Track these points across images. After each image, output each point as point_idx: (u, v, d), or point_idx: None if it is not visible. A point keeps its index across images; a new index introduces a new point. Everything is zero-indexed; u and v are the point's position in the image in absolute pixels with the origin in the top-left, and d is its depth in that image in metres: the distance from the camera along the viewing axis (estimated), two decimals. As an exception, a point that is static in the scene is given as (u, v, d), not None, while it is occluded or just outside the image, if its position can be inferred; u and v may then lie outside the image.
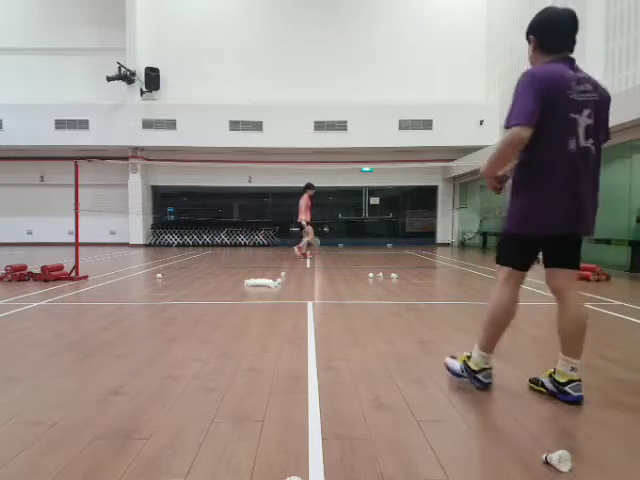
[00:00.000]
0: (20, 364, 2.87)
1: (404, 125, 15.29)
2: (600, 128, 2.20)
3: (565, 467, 1.62)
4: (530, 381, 2.49)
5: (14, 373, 2.69)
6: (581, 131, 2.15)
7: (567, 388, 2.27)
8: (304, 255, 11.17)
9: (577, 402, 2.25)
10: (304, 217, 10.98)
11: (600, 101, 2.18)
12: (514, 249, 2.35)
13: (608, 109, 2.24)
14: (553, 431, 1.96)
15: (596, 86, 2.20)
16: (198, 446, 1.81)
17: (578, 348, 2.29)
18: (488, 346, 2.41)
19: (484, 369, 2.43)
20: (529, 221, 2.23)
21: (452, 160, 14.99)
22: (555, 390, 2.33)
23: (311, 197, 11.11)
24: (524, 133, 2.11)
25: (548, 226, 2.20)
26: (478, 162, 12.91)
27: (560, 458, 1.63)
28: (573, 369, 2.28)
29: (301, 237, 11.37)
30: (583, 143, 2.16)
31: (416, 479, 1.59)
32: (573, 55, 2.26)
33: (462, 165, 14.26)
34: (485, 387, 2.43)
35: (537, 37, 2.29)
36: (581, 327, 2.26)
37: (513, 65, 13.26)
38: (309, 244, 11.42)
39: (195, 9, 16.00)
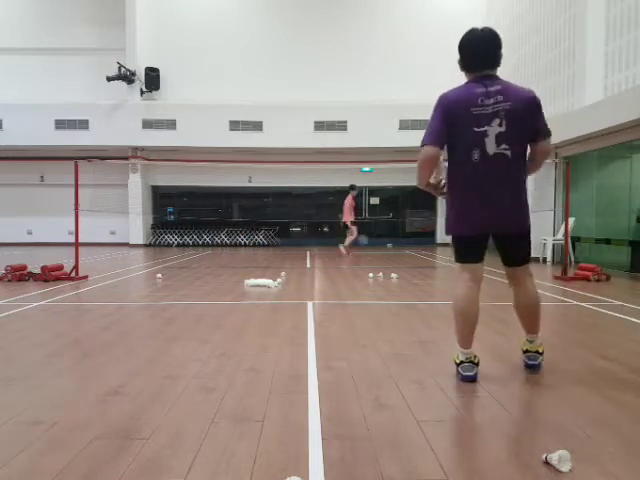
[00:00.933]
0: (20, 364, 2.87)
1: (404, 125, 15.28)
2: (516, 133, 2.42)
3: (565, 467, 1.62)
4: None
5: (14, 373, 2.69)
6: (490, 140, 2.41)
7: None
8: (347, 254, 11.54)
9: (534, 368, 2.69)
10: (348, 217, 11.46)
11: (513, 109, 2.39)
12: (457, 247, 2.65)
13: (530, 110, 2.44)
14: (553, 431, 1.96)
15: (509, 94, 2.41)
16: (198, 446, 1.81)
17: (531, 325, 2.69)
18: (462, 342, 2.58)
19: (462, 362, 2.57)
20: (454, 224, 2.59)
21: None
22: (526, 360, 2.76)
23: (354, 197, 11.69)
24: (431, 151, 2.46)
25: (465, 228, 2.54)
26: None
27: (560, 458, 1.63)
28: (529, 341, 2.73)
29: (345, 237, 11.81)
30: (492, 151, 2.42)
31: (416, 479, 1.59)
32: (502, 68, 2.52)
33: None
34: (465, 379, 2.54)
35: (459, 60, 2.58)
36: (534, 309, 2.64)
37: (513, 65, 13.26)
38: (354, 244, 11.94)
39: (195, 9, 15.99)
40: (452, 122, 2.45)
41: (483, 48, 2.49)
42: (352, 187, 11.69)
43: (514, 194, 2.48)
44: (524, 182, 2.54)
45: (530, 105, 2.44)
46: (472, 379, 2.53)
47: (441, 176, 2.68)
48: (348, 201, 11.53)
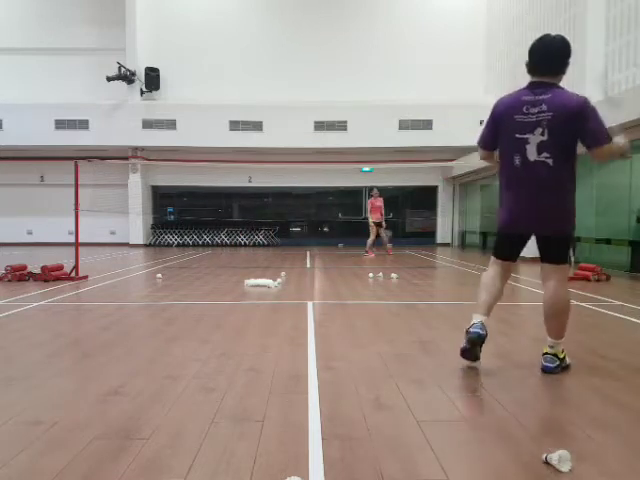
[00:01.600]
0: (20, 364, 2.87)
1: (404, 125, 15.28)
2: (558, 143, 2.49)
3: (565, 467, 1.62)
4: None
5: (14, 373, 2.69)
6: (531, 148, 2.53)
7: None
8: (370, 253, 11.87)
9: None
10: (378, 217, 12.06)
11: (555, 119, 2.47)
12: (496, 241, 2.90)
13: (573, 120, 2.45)
14: (553, 431, 1.96)
15: (554, 104, 2.47)
16: (198, 446, 1.81)
17: (550, 328, 2.68)
18: (478, 307, 2.77)
19: (474, 323, 2.68)
20: (498, 219, 2.81)
21: (452, 160, 14.98)
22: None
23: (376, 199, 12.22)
24: (481, 152, 2.89)
25: (504, 224, 2.76)
26: (478, 162, 12.91)
27: (560, 458, 1.63)
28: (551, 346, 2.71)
29: (378, 236, 12.18)
30: (533, 158, 2.54)
31: (416, 479, 1.59)
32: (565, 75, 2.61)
33: (462, 165, 14.26)
34: (472, 334, 2.63)
35: (526, 63, 2.66)
36: (553, 310, 2.64)
37: (513, 65, 13.25)
38: (379, 244, 12.37)
39: (195, 9, 15.99)
40: (498, 128, 2.67)
41: (543, 54, 2.55)
42: (373, 189, 12.27)
43: (553, 200, 2.55)
44: (567, 189, 2.58)
45: (574, 114, 2.45)
46: (477, 334, 2.61)
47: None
48: (380, 202, 12.02)
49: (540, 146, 2.50)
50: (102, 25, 16.12)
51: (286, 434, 1.91)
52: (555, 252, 2.67)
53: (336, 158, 16.03)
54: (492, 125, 2.70)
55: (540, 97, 2.50)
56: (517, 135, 2.55)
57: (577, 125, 2.46)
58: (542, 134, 2.48)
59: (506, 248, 2.82)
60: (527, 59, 2.63)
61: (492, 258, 2.89)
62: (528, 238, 2.76)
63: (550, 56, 2.55)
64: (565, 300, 2.65)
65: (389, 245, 12.40)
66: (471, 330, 2.64)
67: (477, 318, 2.70)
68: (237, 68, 15.92)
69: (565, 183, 2.56)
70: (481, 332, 2.62)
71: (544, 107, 2.48)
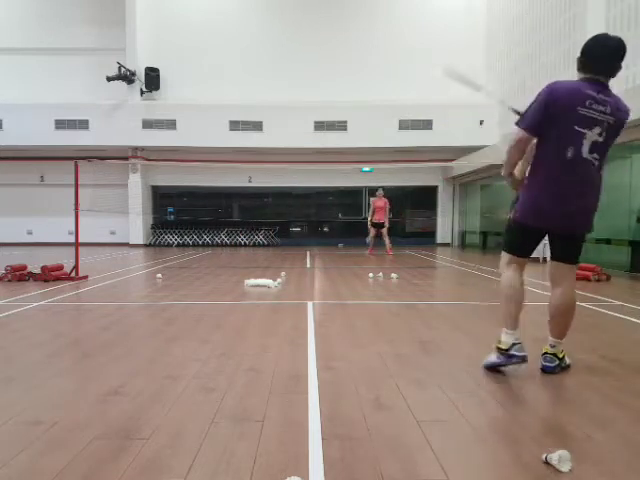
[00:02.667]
0: (20, 364, 2.87)
1: (404, 125, 15.28)
2: (607, 147, 2.48)
3: (565, 467, 1.62)
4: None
5: (14, 373, 2.69)
6: (586, 144, 2.42)
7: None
8: (372, 253, 12.10)
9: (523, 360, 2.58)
10: (378, 219, 12.19)
11: (613, 124, 2.44)
12: (512, 236, 2.74)
13: (621, 128, 2.50)
14: (553, 431, 1.96)
15: (615, 109, 2.43)
16: (198, 446, 1.81)
17: (556, 327, 2.65)
18: (509, 323, 2.61)
19: (514, 344, 2.56)
20: (522, 212, 2.62)
21: (452, 160, 14.98)
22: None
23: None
24: (523, 136, 2.49)
25: (531, 218, 2.58)
26: (478, 162, 12.92)
27: (560, 458, 1.63)
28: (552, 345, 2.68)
29: (376, 235, 12.40)
30: (585, 155, 2.43)
31: (416, 479, 1.59)
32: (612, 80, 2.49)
33: (462, 165, 14.26)
34: (523, 360, 2.56)
35: (579, 57, 2.53)
36: (563, 310, 2.62)
37: (513, 65, 13.26)
38: (382, 244, 12.49)
39: (195, 9, 15.99)
40: (554, 114, 2.43)
41: (606, 55, 2.46)
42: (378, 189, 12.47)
43: (591, 200, 2.53)
44: (600, 191, 2.58)
45: (623, 123, 2.49)
46: (526, 359, 2.56)
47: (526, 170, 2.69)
48: (381, 203, 12.12)
49: (593, 145, 2.43)
50: (102, 25, 16.12)
51: (286, 434, 1.91)
52: (574, 251, 2.64)
53: (336, 158, 16.03)
54: (544, 109, 2.44)
55: (604, 97, 2.42)
56: (577, 128, 2.41)
57: (619, 133, 2.51)
58: (600, 135, 2.43)
59: (526, 242, 2.69)
60: (583, 56, 2.50)
61: (506, 257, 2.74)
62: (544, 236, 2.67)
63: (613, 59, 2.45)
64: (575, 300, 2.66)
65: (389, 245, 12.44)
66: (517, 354, 2.56)
67: (513, 336, 2.59)
68: (237, 68, 15.92)
69: (600, 185, 2.56)
70: (526, 354, 2.57)
71: (608, 109, 2.41)
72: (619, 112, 2.45)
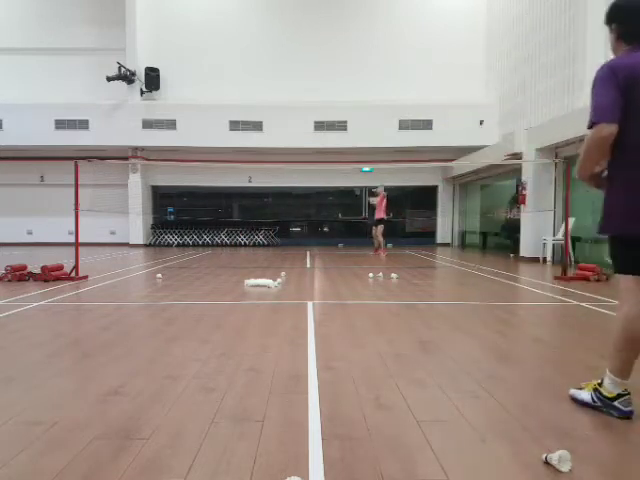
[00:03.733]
0: (20, 364, 2.87)
1: (404, 125, 15.28)
2: None
3: (565, 467, 1.62)
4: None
5: (14, 373, 2.69)
6: None
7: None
8: (376, 253, 12.12)
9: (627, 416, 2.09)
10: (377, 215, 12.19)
11: None
12: (624, 253, 2.09)
13: None
14: (553, 431, 1.96)
15: None
16: (198, 446, 1.81)
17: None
18: (621, 371, 2.08)
19: (620, 395, 2.09)
20: (620, 221, 2.06)
21: (452, 160, 14.98)
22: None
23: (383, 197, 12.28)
24: (606, 130, 1.99)
25: (638, 226, 2.01)
26: (478, 162, 12.92)
27: (560, 458, 1.63)
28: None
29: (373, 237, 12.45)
30: None
31: (416, 479, 1.59)
32: None
33: (462, 165, 14.25)
34: (626, 415, 2.08)
35: (618, 25, 2.13)
36: None
37: (513, 65, 13.26)
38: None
39: (195, 9, 15.99)
40: (630, 95, 1.99)
41: None
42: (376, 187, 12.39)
43: None
44: None
45: None
46: (631, 415, 2.08)
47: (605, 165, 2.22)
48: (379, 200, 12.08)
49: None
50: (102, 25, 16.12)
51: (286, 434, 1.91)
52: None
53: (336, 158, 16.03)
54: (617, 90, 1.98)
55: None
56: None
57: None
58: None
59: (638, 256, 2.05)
60: (628, 21, 2.10)
61: (626, 281, 2.08)
62: None
63: None
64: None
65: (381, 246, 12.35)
66: (622, 408, 2.07)
67: (623, 386, 2.09)
68: (237, 68, 15.92)
69: None
70: (633, 409, 2.08)
71: None
72: None
